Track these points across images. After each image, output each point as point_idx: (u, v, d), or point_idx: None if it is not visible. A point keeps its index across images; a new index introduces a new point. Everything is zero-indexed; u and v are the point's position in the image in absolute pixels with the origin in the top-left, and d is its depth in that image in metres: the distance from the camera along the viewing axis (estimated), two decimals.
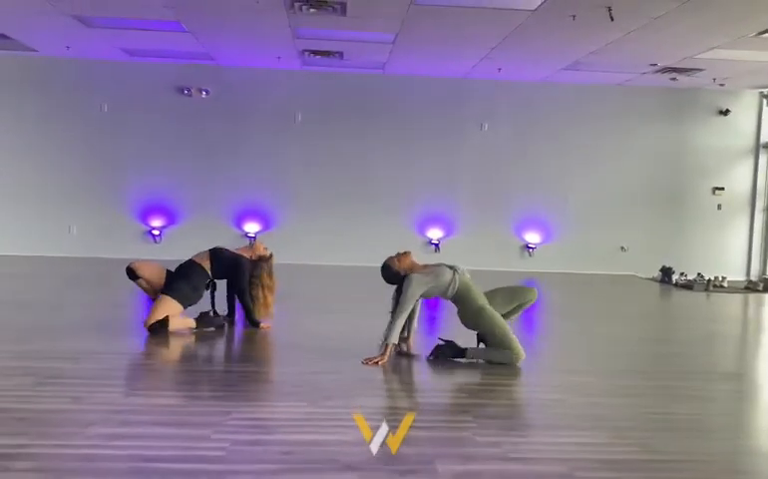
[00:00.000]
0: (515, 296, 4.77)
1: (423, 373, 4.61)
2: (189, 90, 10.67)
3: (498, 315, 4.64)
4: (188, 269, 5.44)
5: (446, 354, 4.69)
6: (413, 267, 4.79)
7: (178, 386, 4.14)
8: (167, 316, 5.15)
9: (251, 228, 10.95)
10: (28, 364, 4.33)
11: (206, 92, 10.72)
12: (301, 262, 10.55)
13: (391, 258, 4.85)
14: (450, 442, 3.26)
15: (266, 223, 11.00)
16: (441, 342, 4.76)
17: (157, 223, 10.85)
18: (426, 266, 4.83)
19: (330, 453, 3.00)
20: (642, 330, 6.80)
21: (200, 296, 5.46)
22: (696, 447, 3.36)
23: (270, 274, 5.66)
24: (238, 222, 10.98)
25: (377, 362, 4.49)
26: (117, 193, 10.77)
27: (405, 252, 4.87)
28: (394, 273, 4.80)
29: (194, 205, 10.86)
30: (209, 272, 5.49)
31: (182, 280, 5.35)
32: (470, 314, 4.68)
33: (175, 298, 5.24)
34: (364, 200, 11.07)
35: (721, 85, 10.62)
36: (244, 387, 4.14)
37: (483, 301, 4.68)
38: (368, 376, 4.32)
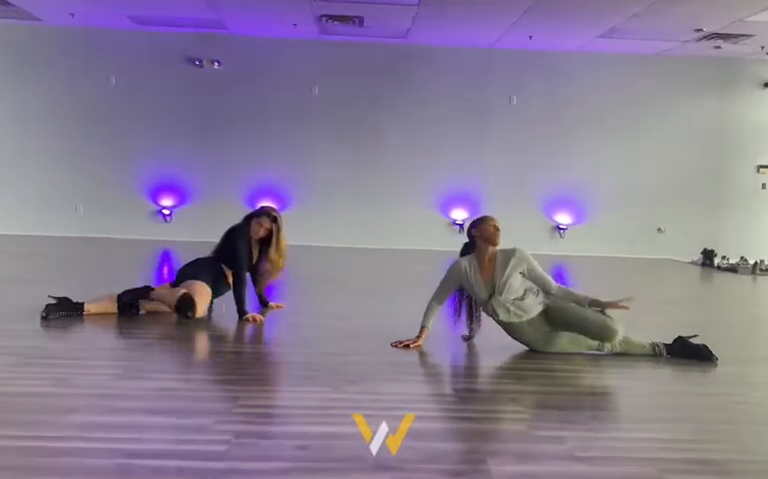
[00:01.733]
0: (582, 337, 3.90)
1: (458, 357, 4.03)
2: (200, 61, 10.15)
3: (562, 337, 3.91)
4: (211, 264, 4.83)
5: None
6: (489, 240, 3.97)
7: (177, 368, 3.60)
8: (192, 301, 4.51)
9: None
10: (13, 343, 3.82)
11: (219, 63, 10.18)
12: (318, 244, 10.03)
13: (486, 231, 3.99)
14: (502, 437, 2.68)
15: (282, 202, 10.46)
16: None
17: (167, 202, 10.36)
18: (490, 261, 3.97)
19: (356, 449, 2.43)
20: (695, 315, 6.15)
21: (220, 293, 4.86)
22: None
23: (278, 238, 4.87)
24: (252, 201, 10.44)
25: (408, 346, 3.92)
26: (126, 170, 10.30)
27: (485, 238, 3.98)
28: (469, 240, 4.09)
29: (207, 183, 10.35)
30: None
31: (207, 274, 4.75)
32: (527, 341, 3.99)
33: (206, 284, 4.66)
34: (384, 178, 10.50)
35: None
36: (255, 370, 3.59)
37: (539, 338, 3.93)
38: (397, 359, 3.75)
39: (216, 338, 4.36)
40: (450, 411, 2.99)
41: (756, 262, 9.44)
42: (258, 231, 4.82)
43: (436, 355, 3.96)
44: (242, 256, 4.71)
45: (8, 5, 8.80)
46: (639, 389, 3.36)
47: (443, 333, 4.31)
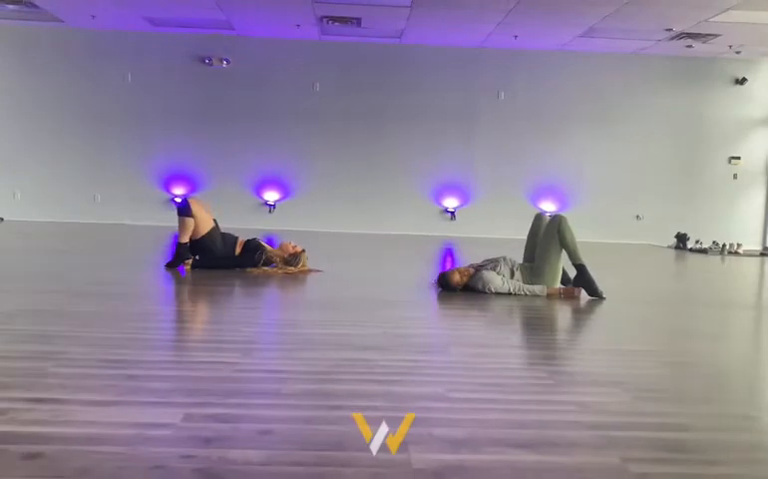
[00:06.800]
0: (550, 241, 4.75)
1: (447, 299, 4.78)
2: (209, 59, 10.93)
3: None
4: (225, 236, 5.67)
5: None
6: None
7: (209, 301, 4.36)
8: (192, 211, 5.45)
9: (271, 196, 11.19)
10: (63, 287, 4.57)
11: (227, 61, 10.96)
12: (318, 229, 10.78)
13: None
14: (460, 336, 3.44)
15: (285, 191, 11.23)
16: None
17: (179, 190, 11.12)
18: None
19: (349, 338, 3.20)
20: (657, 285, 6.92)
21: (208, 257, 5.59)
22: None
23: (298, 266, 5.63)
24: (258, 189, 11.21)
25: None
26: (141, 161, 11.07)
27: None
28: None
29: (215, 172, 11.12)
30: (235, 254, 5.62)
31: (218, 238, 5.59)
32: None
33: (213, 224, 5.52)
34: (381, 169, 11.27)
35: (737, 52, 10.65)
36: (273, 302, 4.35)
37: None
38: (388, 298, 4.50)
39: (238, 285, 5.11)
40: (431, 325, 3.74)
41: (724, 245, 10.19)
42: (283, 253, 5.69)
43: (426, 292, 4.71)
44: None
45: (34, 7, 9.58)
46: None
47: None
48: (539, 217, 5.05)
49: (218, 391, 2.34)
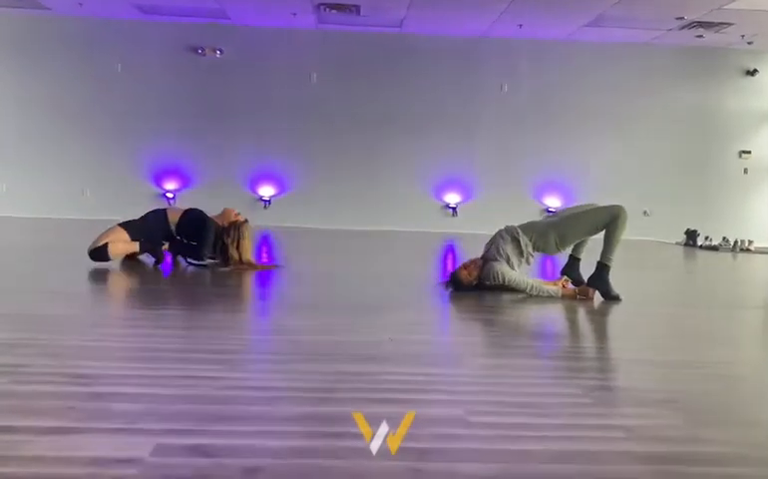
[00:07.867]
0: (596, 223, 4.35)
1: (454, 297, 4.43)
2: (202, 49, 10.54)
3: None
4: (152, 213, 5.35)
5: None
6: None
7: (189, 304, 3.99)
8: (106, 243, 4.95)
9: (266, 191, 10.81)
10: (39, 287, 4.21)
11: (221, 51, 10.57)
12: (316, 226, 10.42)
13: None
14: (475, 347, 3.08)
15: (281, 185, 10.86)
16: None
17: (170, 186, 10.73)
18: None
19: (348, 347, 2.84)
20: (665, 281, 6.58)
21: (152, 241, 5.22)
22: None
23: (239, 244, 5.15)
24: (252, 184, 10.83)
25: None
26: (131, 154, 10.68)
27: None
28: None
29: (209, 167, 10.74)
30: (174, 226, 5.22)
31: (139, 220, 5.26)
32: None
33: (124, 228, 5.13)
34: (380, 163, 10.89)
35: (749, 43, 10.30)
36: (260, 305, 3.99)
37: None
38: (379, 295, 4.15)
39: (223, 284, 4.75)
40: (440, 331, 3.39)
41: (736, 242, 9.85)
42: (224, 220, 5.25)
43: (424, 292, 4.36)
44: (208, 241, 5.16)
45: None
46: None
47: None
48: (592, 204, 4.73)
49: (197, 414, 1.97)
